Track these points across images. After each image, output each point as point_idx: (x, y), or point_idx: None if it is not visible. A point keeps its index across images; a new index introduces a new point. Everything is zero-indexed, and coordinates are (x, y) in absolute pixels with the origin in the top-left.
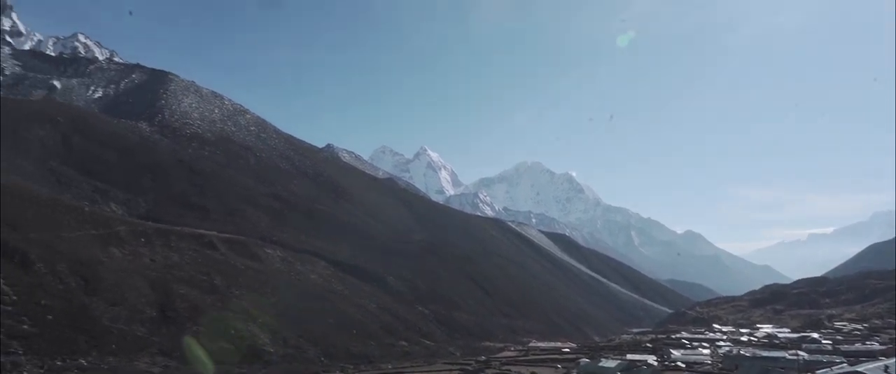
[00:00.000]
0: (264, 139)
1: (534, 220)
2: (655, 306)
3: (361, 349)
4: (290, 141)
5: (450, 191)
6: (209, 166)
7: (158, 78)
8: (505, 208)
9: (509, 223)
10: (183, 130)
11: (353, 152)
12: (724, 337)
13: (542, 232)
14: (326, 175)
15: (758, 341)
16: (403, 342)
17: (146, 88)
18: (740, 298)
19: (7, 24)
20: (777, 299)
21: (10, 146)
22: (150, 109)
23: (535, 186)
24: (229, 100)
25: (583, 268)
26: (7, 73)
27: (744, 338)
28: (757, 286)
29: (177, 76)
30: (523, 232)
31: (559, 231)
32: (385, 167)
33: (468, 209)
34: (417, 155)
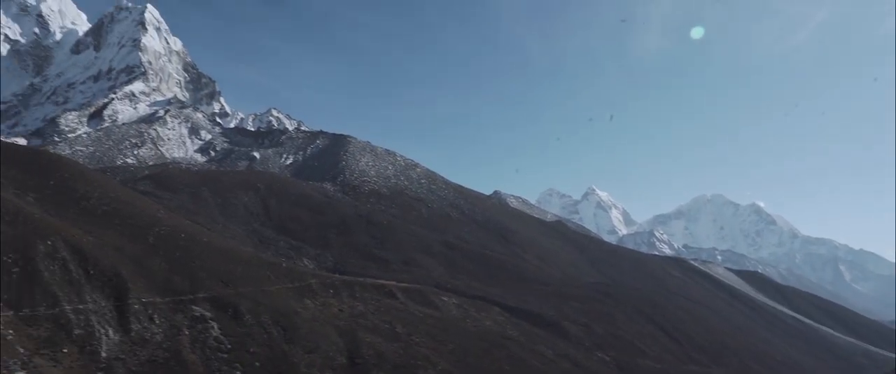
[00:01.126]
0: (435, 190)
1: (719, 257)
2: (881, 352)
3: None
4: (459, 190)
5: (622, 231)
6: (386, 219)
7: (338, 141)
8: (685, 246)
9: (692, 262)
10: (362, 187)
11: (520, 197)
12: None
13: (731, 270)
14: (495, 221)
15: None
16: None
17: (329, 152)
18: None
19: (216, 107)
20: None
21: (222, 212)
22: (333, 170)
23: (717, 220)
24: (401, 156)
25: (783, 308)
26: (218, 149)
27: None
28: None
29: (354, 138)
30: (709, 270)
31: (750, 268)
32: (553, 210)
33: (644, 249)
34: (586, 195)
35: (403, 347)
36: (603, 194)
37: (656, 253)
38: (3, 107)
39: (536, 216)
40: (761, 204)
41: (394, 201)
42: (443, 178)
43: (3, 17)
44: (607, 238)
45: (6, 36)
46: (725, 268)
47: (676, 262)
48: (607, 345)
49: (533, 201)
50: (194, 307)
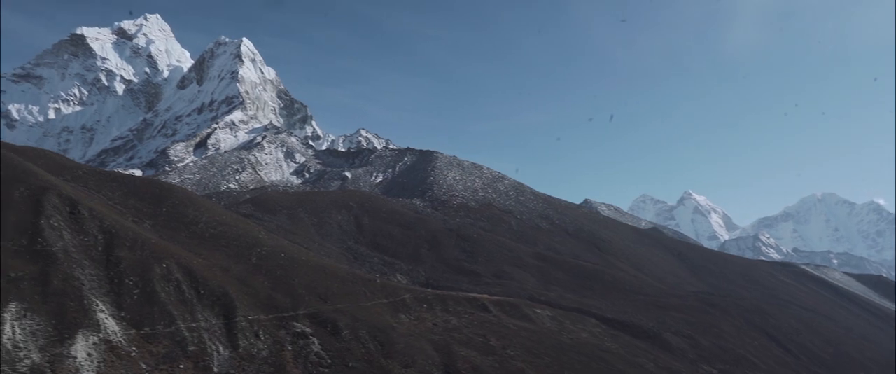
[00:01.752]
0: (523, 201)
1: (835, 261)
2: None
3: None
4: (548, 200)
5: (724, 236)
6: (476, 232)
7: (426, 157)
8: (795, 250)
9: (803, 267)
10: (450, 201)
11: (611, 205)
12: None
13: (849, 274)
14: (587, 230)
15: None
16: None
17: (417, 168)
18: None
19: (309, 131)
20: None
21: (318, 231)
22: (422, 185)
23: (830, 221)
24: (488, 168)
25: None
26: (312, 170)
27: None
28: None
29: (441, 153)
30: (823, 276)
31: (871, 272)
32: (647, 217)
33: (748, 254)
34: (681, 200)
35: (498, 360)
36: (700, 198)
37: (763, 258)
38: (121, 141)
39: (630, 224)
40: (881, 201)
41: (482, 213)
42: (530, 189)
43: (119, 60)
44: (708, 244)
45: (121, 77)
46: (843, 272)
47: (786, 267)
48: (714, 358)
49: (625, 209)
50: (296, 324)
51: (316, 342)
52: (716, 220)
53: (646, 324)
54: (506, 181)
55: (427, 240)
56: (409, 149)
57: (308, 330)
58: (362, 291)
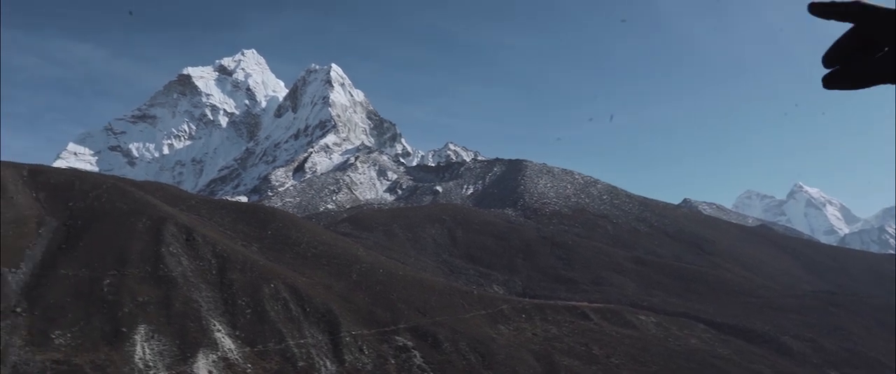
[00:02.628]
0: (618, 205)
1: None
2: None
3: None
4: (644, 202)
5: (843, 229)
6: (571, 239)
7: (515, 167)
8: None
9: None
10: (543, 209)
11: (713, 203)
12: None
13: None
14: (688, 231)
15: None
16: None
17: (507, 178)
18: None
19: (399, 149)
20: None
21: (413, 246)
22: (513, 195)
23: None
24: (579, 173)
25: None
26: (404, 187)
27: None
28: None
29: (530, 161)
30: None
31: None
32: (754, 214)
33: (874, 248)
34: (792, 194)
35: (602, 369)
36: (812, 191)
37: (891, 252)
38: (227, 171)
39: (735, 222)
40: None
41: (576, 220)
42: (625, 191)
43: (221, 95)
44: (825, 240)
45: (224, 110)
46: None
47: None
48: (842, 362)
49: (729, 207)
50: (397, 338)
51: (418, 355)
52: (832, 213)
53: (761, 328)
54: (599, 185)
55: (521, 249)
56: (497, 159)
57: (409, 344)
58: (460, 303)
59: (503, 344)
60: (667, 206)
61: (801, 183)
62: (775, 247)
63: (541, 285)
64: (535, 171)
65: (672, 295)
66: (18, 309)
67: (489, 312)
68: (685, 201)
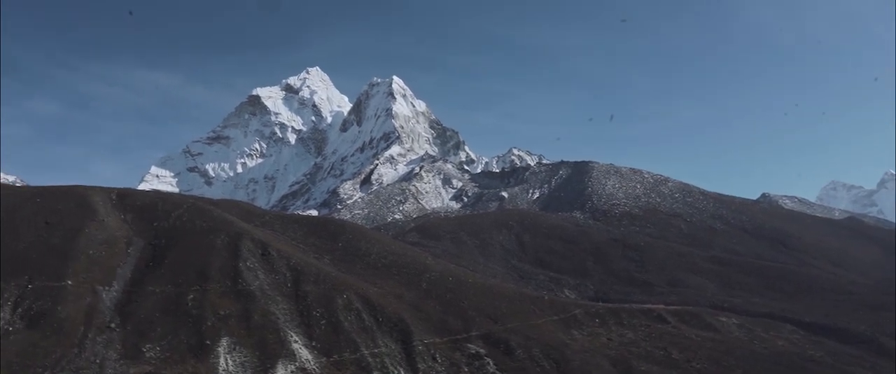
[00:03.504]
0: (691, 203)
1: None
2: None
3: None
4: (720, 199)
5: None
6: (642, 240)
7: (581, 169)
8: None
9: None
10: (612, 210)
11: (795, 197)
12: None
13: None
14: (769, 227)
15: None
16: None
17: (573, 180)
18: None
19: (463, 156)
20: None
21: (481, 253)
22: (580, 197)
23: None
24: (648, 172)
25: None
26: (470, 194)
27: None
28: None
29: (596, 163)
30: None
31: None
32: (840, 205)
33: None
34: (882, 183)
35: None
36: None
37: None
38: (297, 186)
39: (820, 216)
40: None
41: (648, 220)
42: (699, 188)
43: (289, 113)
44: None
45: (292, 128)
46: None
47: None
48: None
49: (812, 200)
50: (469, 345)
51: (490, 362)
52: None
53: (855, 327)
54: (670, 184)
55: (592, 252)
56: (562, 162)
57: (482, 351)
58: (531, 309)
59: (577, 350)
60: (744, 202)
61: (892, 171)
62: (866, 240)
63: (614, 289)
64: (602, 172)
65: (755, 295)
66: (112, 325)
67: (561, 317)
68: (764, 195)
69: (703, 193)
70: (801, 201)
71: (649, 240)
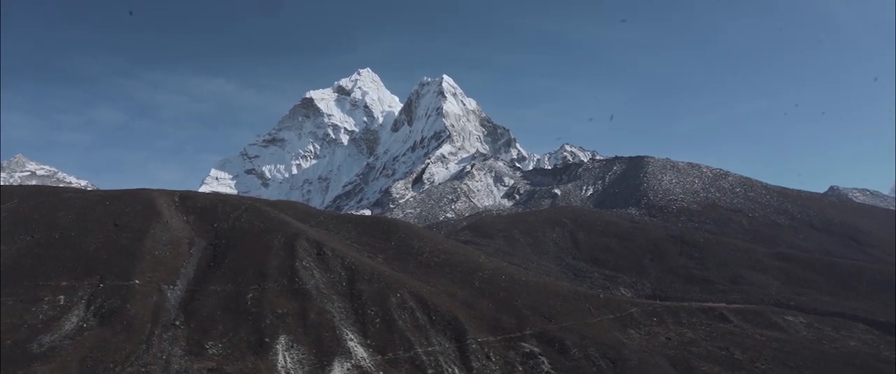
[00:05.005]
0: (753, 198)
1: None
2: None
3: None
4: (784, 193)
5: None
6: (701, 237)
7: (636, 164)
8: None
9: None
10: (669, 206)
11: (866, 190)
12: None
13: None
14: (838, 222)
15: None
16: None
17: (628, 176)
18: None
19: (514, 153)
20: None
21: (534, 250)
22: (635, 193)
23: None
24: (707, 166)
25: None
26: (521, 191)
27: None
28: None
29: (652, 157)
30: None
31: None
32: None
33: None
34: None
35: None
36: None
37: None
38: (350, 186)
39: (894, 209)
40: None
41: (707, 215)
42: (761, 182)
43: (341, 114)
44: None
45: (345, 129)
46: None
47: None
48: None
49: (885, 192)
50: (523, 344)
51: (545, 361)
52: None
53: None
54: (730, 178)
55: (649, 250)
56: (616, 157)
57: (536, 350)
58: (586, 307)
59: (635, 349)
60: (811, 195)
61: None
62: None
63: (672, 287)
64: (658, 167)
65: (823, 293)
66: (177, 322)
67: (617, 316)
68: (832, 188)
69: (766, 187)
70: (873, 193)
71: (709, 236)
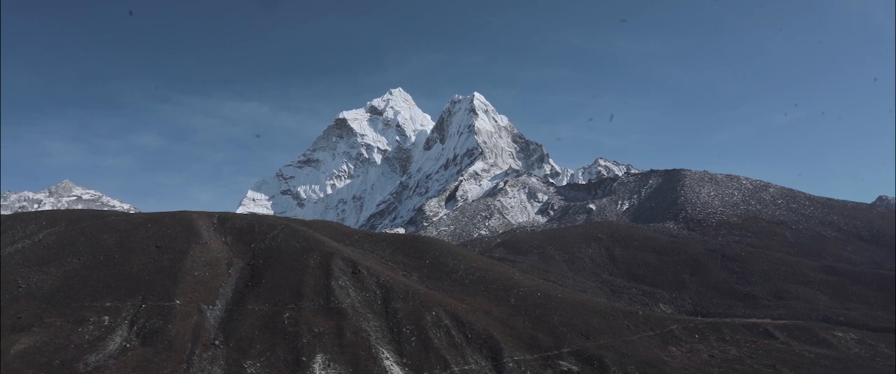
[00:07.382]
0: (796, 209)
1: None
2: None
3: None
4: (828, 203)
5: None
6: (743, 250)
7: (672, 177)
8: None
9: None
10: (708, 220)
11: None
12: None
13: None
14: (888, 233)
15: None
16: None
17: (664, 190)
18: None
19: (547, 169)
20: None
21: (570, 266)
22: (673, 207)
23: None
24: (746, 178)
25: None
26: (556, 207)
27: None
28: None
29: (689, 170)
30: None
31: None
32: None
33: None
34: None
35: None
36: None
37: None
38: (384, 205)
39: None
40: None
41: (748, 229)
42: (804, 193)
43: (374, 133)
44: None
45: (378, 148)
46: None
47: None
48: None
49: None
50: (561, 362)
51: None
52: None
53: None
54: (771, 189)
55: (688, 264)
56: (652, 171)
57: (575, 368)
58: (625, 324)
59: (676, 367)
60: (857, 206)
61: None
62: None
63: (713, 302)
64: (696, 179)
65: (875, 308)
66: (217, 342)
67: (658, 333)
68: (880, 198)
69: (809, 197)
70: None
71: (751, 250)
